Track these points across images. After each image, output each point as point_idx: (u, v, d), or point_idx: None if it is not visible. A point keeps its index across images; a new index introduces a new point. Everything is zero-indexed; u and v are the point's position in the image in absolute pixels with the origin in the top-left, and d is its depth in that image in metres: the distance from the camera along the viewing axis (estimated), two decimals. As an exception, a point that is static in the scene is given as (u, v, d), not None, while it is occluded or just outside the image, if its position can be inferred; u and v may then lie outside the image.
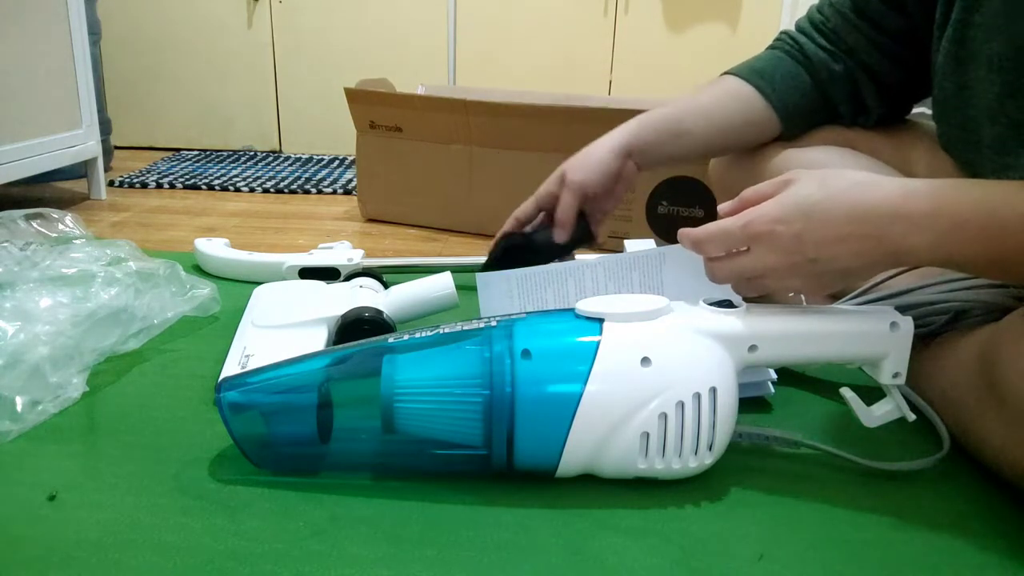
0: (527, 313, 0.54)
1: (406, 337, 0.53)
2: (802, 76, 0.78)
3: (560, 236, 0.75)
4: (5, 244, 0.77)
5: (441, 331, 0.53)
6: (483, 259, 1.02)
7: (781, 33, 0.83)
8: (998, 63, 0.60)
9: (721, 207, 0.55)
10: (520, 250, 0.76)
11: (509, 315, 0.54)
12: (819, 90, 0.78)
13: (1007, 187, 0.47)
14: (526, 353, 0.50)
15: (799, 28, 0.81)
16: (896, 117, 0.81)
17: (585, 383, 0.49)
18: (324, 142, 2.16)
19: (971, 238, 0.47)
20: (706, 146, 0.81)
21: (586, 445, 0.50)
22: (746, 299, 0.54)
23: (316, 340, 0.67)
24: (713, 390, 0.49)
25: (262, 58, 2.13)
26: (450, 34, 2.11)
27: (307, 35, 2.11)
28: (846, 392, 0.55)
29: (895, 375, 0.53)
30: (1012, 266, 0.47)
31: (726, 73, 0.82)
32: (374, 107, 1.30)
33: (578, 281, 0.68)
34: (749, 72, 0.79)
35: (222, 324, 0.79)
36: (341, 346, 0.55)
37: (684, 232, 0.55)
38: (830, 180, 0.50)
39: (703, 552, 0.47)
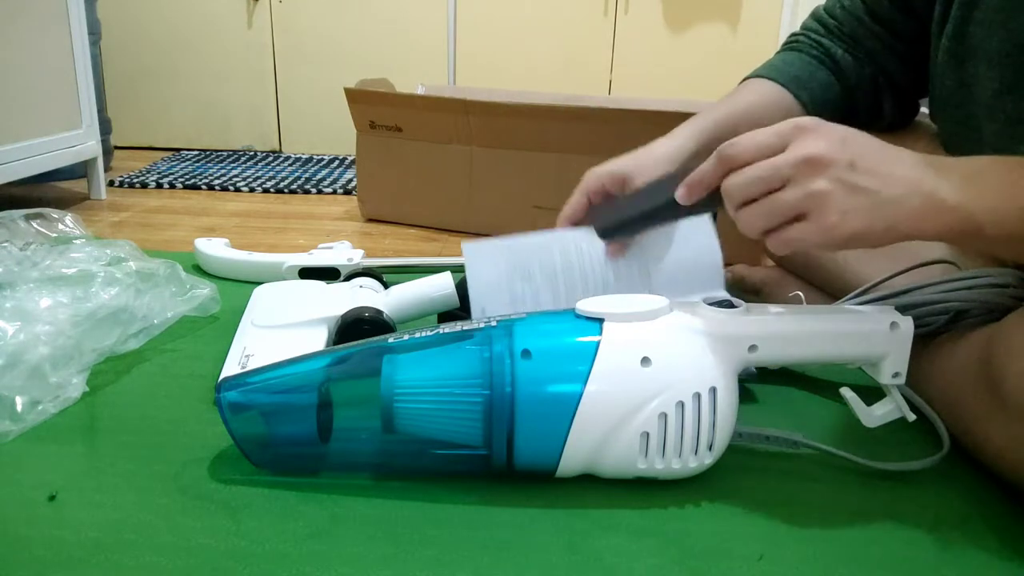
0: (527, 313, 0.54)
1: (406, 337, 0.53)
2: (834, 86, 0.76)
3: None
4: (5, 244, 0.77)
5: (441, 331, 0.53)
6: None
7: (801, 35, 0.81)
8: (997, 59, 0.60)
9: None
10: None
11: (508, 315, 0.54)
12: (846, 97, 0.77)
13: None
14: (526, 353, 0.50)
15: (815, 31, 0.79)
16: (906, 120, 0.80)
17: (585, 383, 0.49)
18: (324, 142, 2.16)
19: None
20: None
21: (586, 445, 0.50)
22: (746, 300, 0.54)
23: (316, 340, 0.67)
24: (713, 390, 0.49)
25: (262, 58, 2.13)
26: (450, 34, 2.11)
27: (307, 35, 2.11)
28: (846, 392, 0.55)
29: (895, 375, 0.53)
30: None
31: (760, 76, 0.78)
32: (374, 107, 1.30)
33: (563, 252, 0.67)
34: (788, 79, 0.76)
35: (222, 324, 0.79)
36: (341, 346, 0.55)
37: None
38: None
39: (703, 552, 0.47)
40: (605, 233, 0.62)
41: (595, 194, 0.71)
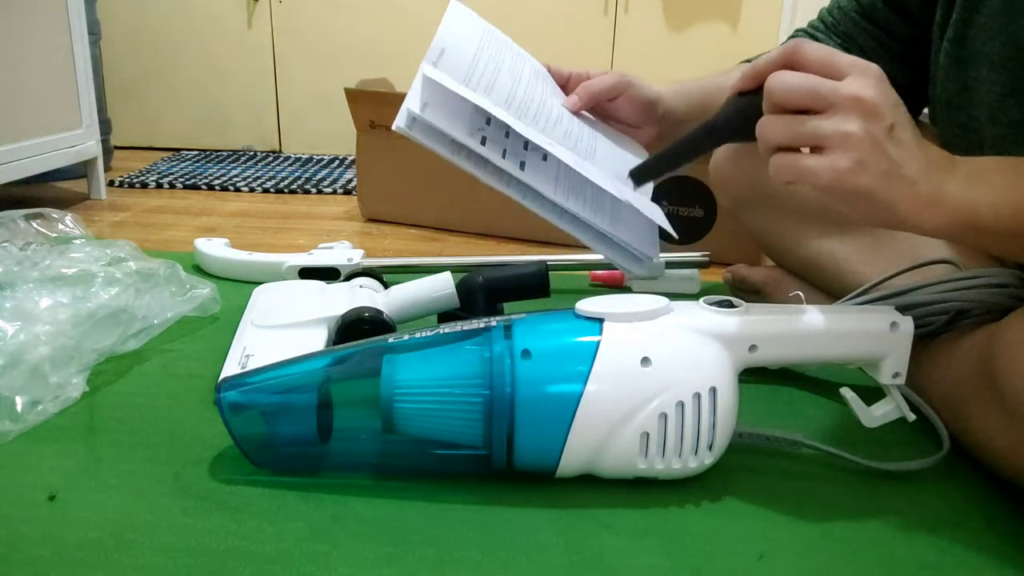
0: (527, 313, 0.54)
1: (406, 337, 0.53)
2: None
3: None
4: (5, 244, 0.77)
5: (441, 331, 0.53)
6: (482, 259, 1.02)
7: (800, 31, 0.82)
8: (999, 62, 0.60)
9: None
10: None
11: (508, 316, 0.54)
12: None
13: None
14: (526, 353, 0.50)
15: (814, 27, 0.81)
16: None
17: (585, 383, 0.49)
18: (324, 142, 2.15)
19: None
20: None
21: (586, 445, 0.50)
22: (746, 300, 0.54)
23: (316, 340, 0.67)
24: (713, 390, 0.49)
25: (262, 58, 2.13)
26: (450, 34, 2.10)
27: (307, 35, 2.11)
28: (846, 392, 0.55)
29: (895, 375, 0.53)
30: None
31: (750, 61, 0.81)
32: (374, 107, 1.30)
33: (535, 72, 0.71)
34: None
35: (222, 324, 0.79)
36: (341, 346, 0.55)
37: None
38: None
39: (703, 552, 0.47)
40: (636, 176, 0.62)
41: (594, 70, 0.76)
